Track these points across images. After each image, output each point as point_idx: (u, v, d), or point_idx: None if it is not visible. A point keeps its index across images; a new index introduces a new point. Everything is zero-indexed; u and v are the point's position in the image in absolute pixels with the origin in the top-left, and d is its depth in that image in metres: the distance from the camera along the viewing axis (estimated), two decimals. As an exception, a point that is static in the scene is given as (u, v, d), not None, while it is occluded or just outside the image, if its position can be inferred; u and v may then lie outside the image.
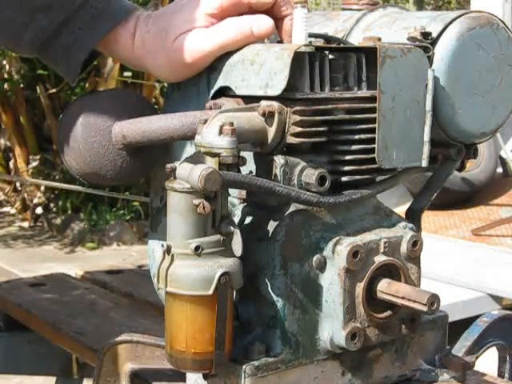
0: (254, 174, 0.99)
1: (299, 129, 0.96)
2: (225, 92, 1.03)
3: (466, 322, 1.13)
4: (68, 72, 1.10)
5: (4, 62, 5.30)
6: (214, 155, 0.90)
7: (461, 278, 3.88)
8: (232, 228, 0.91)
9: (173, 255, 0.90)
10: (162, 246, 0.91)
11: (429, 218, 4.73)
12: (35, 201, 6.14)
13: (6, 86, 5.40)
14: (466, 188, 5.11)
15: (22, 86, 5.56)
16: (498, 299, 3.86)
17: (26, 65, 5.40)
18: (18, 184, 6.38)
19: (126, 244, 5.74)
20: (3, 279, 1.77)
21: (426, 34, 1.03)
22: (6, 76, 5.38)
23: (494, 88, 1.07)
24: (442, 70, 1.03)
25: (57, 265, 4.86)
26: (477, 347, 1.07)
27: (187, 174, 0.88)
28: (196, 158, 0.91)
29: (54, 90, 5.57)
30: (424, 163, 1.04)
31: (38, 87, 5.71)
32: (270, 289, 0.97)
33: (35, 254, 5.44)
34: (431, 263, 3.45)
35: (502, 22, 1.06)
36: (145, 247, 4.96)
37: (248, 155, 0.97)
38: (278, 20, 1.05)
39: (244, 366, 0.95)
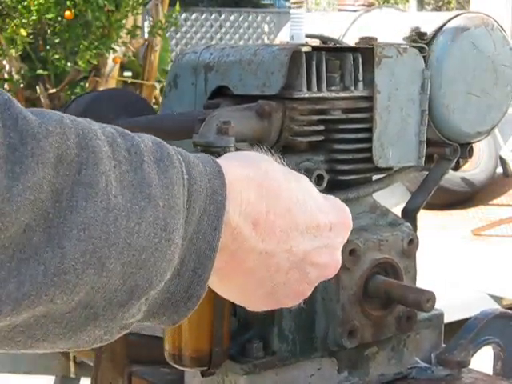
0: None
1: (296, 128, 0.96)
2: (222, 91, 1.04)
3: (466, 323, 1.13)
4: None
5: (4, 62, 5.30)
6: (211, 154, 0.90)
7: (461, 278, 3.88)
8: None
9: (171, 253, 0.91)
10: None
11: (429, 217, 4.73)
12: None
13: (6, 85, 5.40)
14: (466, 188, 5.11)
15: (21, 85, 5.56)
16: (498, 299, 3.86)
17: (26, 65, 5.39)
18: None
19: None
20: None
21: (421, 34, 1.04)
22: (6, 76, 5.37)
23: (489, 88, 1.08)
24: (438, 70, 1.04)
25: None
26: (472, 345, 1.07)
27: (185, 172, 0.88)
28: (193, 157, 0.92)
29: (54, 90, 5.57)
30: (420, 162, 1.05)
31: (37, 87, 5.70)
32: (267, 287, 0.97)
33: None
34: (431, 263, 3.45)
35: (497, 22, 1.07)
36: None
37: (245, 154, 0.97)
38: None
39: (242, 364, 0.95)
